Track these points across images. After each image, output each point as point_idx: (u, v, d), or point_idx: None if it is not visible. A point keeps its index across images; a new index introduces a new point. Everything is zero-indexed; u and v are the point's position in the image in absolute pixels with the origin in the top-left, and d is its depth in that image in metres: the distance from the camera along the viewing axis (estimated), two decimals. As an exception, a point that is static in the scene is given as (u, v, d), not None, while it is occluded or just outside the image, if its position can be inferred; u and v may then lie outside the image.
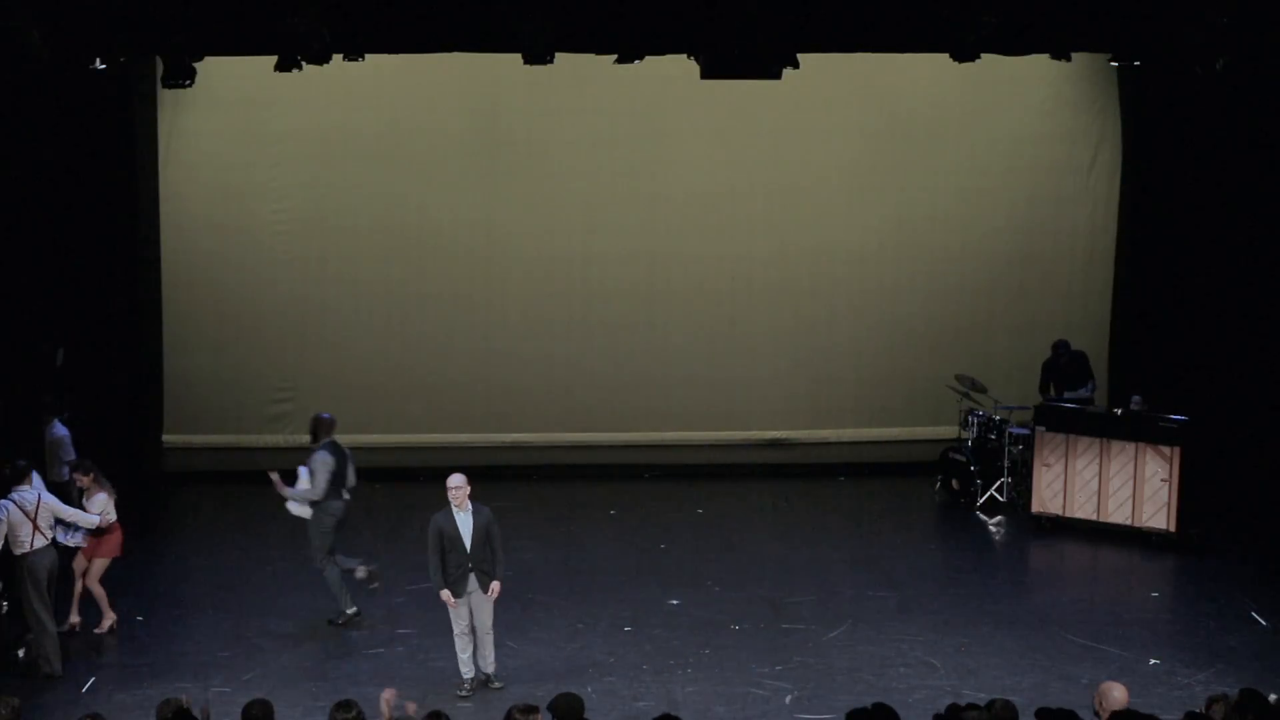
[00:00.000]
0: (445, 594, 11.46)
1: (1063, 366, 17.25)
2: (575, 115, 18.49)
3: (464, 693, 11.62)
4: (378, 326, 18.80)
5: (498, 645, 11.86)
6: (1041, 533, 15.96)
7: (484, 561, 11.50)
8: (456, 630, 11.66)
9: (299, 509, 13.02)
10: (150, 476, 17.56)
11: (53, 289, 14.96)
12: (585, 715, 8.23)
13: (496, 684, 11.69)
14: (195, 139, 18.20)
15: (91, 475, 12.83)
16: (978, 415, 17.19)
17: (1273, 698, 8.31)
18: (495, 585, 11.51)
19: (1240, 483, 16.40)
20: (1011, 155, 19.02)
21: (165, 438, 18.35)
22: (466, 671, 11.70)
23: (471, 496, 11.60)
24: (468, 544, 11.43)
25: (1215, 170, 17.14)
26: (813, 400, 19.29)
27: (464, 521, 11.46)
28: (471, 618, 11.59)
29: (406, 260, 18.71)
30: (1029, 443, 16.38)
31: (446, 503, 11.49)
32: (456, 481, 11.50)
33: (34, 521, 11.95)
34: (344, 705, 8.03)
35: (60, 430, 14.46)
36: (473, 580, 11.49)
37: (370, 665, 12.15)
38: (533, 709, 7.88)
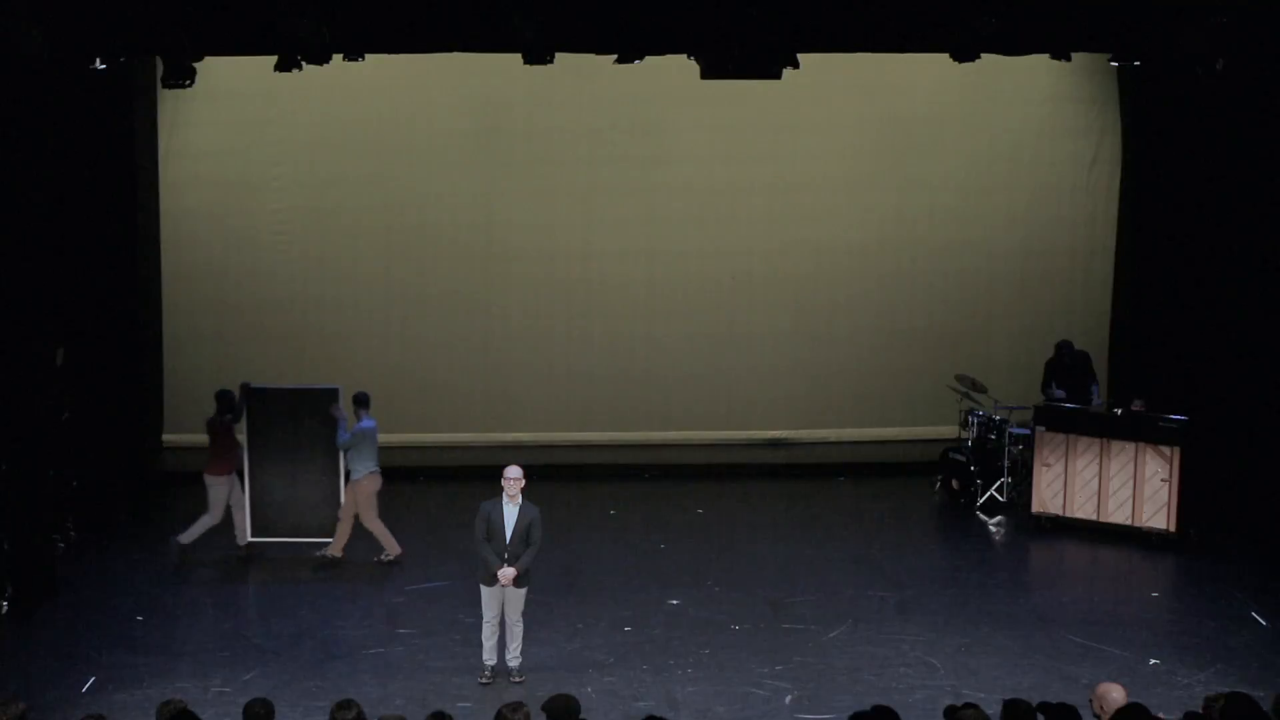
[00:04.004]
0: (503, 572, 11.57)
1: (1066, 367, 17.23)
2: (575, 114, 18.51)
3: (485, 680, 11.74)
4: (378, 325, 18.81)
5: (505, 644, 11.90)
6: (1041, 533, 15.96)
7: (520, 557, 11.66)
8: (485, 618, 11.78)
9: None
10: (150, 476, 17.56)
11: (53, 289, 14.93)
12: (583, 716, 8.22)
13: (517, 678, 11.76)
14: (195, 139, 18.22)
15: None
16: (978, 415, 17.19)
17: None
18: (509, 571, 11.57)
19: (1240, 483, 16.39)
20: (1011, 155, 19.05)
21: (165, 438, 18.35)
22: (488, 659, 11.82)
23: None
24: (507, 536, 11.60)
25: (1215, 170, 17.12)
26: (813, 400, 19.30)
27: (510, 513, 11.65)
28: (502, 609, 11.71)
29: (407, 259, 18.73)
30: (1029, 443, 16.39)
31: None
32: (514, 474, 11.72)
33: None
34: (344, 705, 8.03)
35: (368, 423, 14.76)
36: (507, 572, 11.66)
37: (370, 665, 12.15)
38: (520, 705, 7.88)
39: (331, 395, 14.80)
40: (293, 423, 14.81)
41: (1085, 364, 17.37)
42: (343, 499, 14.75)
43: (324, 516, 14.84)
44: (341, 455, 14.74)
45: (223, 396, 14.94)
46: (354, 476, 14.67)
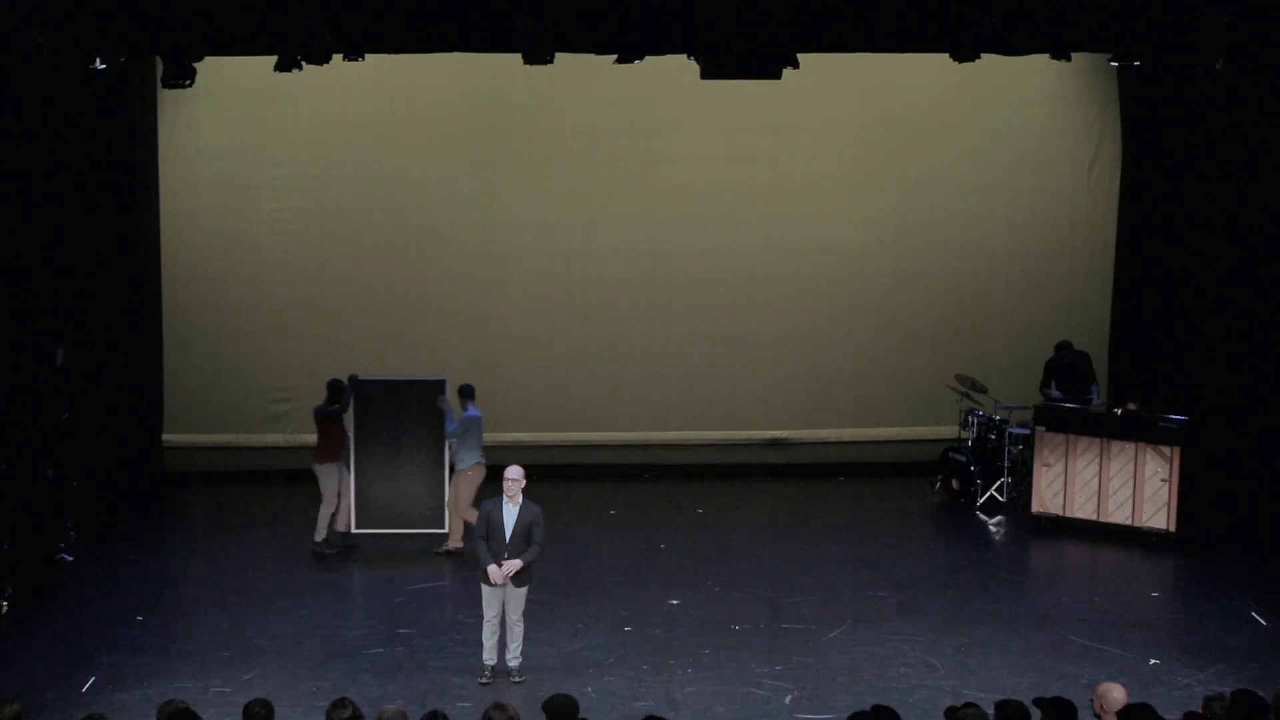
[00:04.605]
0: (492, 569, 11.61)
1: (1065, 367, 17.24)
2: (576, 114, 18.51)
3: (485, 680, 11.74)
4: (378, 326, 18.80)
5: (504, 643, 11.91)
6: (1041, 533, 15.96)
7: (521, 556, 11.66)
8: (486, 617, 11.79)
9: None
10: (150, 476, 17.55)
11: (53, 289, 14.94)
12: (583, 716, 8.22)
13: (517, 678, 11.76)
14: (195, 138, 18.23)
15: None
16: (978, 415, 17.19)
17: None
18: (511, 563, 11.61)
19: (1240, 483, 16.40)
20: (1011, 155, 19.05)
21: (165, 438, 18.35)
22: (488, 659, 11.82)
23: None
24: (507, 535, 11.62)
25: (1215, 170, 17.13)
26: (812, 400, 19.30)
27: (510, 513, 11.67)
28: (503, 608, 11.72)
29: (407, 259, 18.74)
30: (1029, 443, 16.39)
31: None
32: (514, 474, 11.77)
33: None
34: (340, 704, 8.03)
35: (474, 412, 14.98)
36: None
37: (370, 665, 12.15)
38: (504, 706, 7.90)
39: (438, 387, 14.99)
40: (397, 414, 14.99)
41: (1085, 364, 17.37)
42: (448, 492, 14.92)
43: (427, 508, 15.02)
44: (447, 446, 14.88)
45: (332, 386, 15.15)
46: (459, 467, 14.87)
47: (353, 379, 15.12)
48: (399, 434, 14.99)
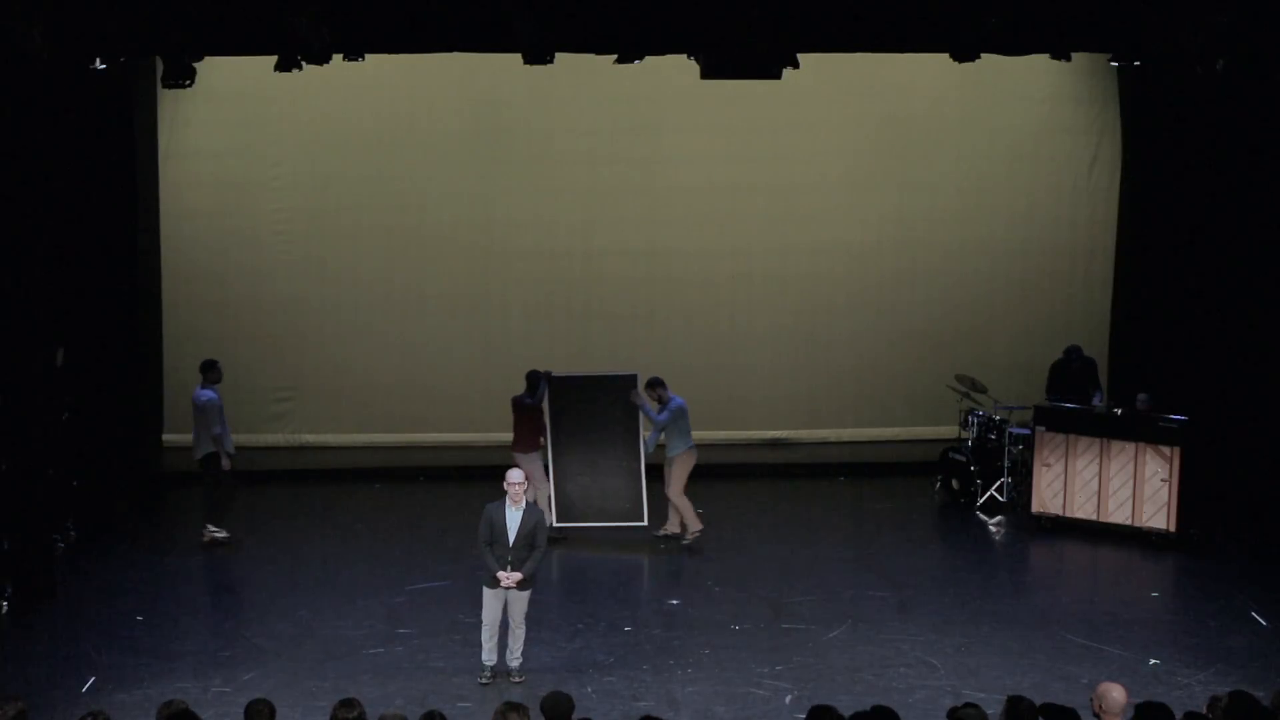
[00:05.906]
0: (501, 575, 11.61)
1: (1073, 371, 17.23)
2: (576, 114, 18.53)
3: (484, 680, 11.74)
4: (378, 326, 18.82)
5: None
6: (1041, 533, 15.96)
7: (523, 560, 11.67)
8: (485, 620, 11.78)
9: None
10: (150, 476, 17.55)
11: (53, 289, 14.94)
12: (586, 716, 8.21)
13: (517, 678, 11.76)
14: (195, 138, 18.24)
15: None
16: (978, 415, 17.19)
17: None
18: (513, 575, 11.59)
19: (1240, 483, 16.39)
20: (1012, 155, 19.06)
21: (165, 438, 18.31)
22: (488, 659, 11.81)
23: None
24: (510, 539, 11.61)
25: (1215, 170, 17.14)
26: (812, 400, 19.31)
27: (513, 517, 11.66)
28: (505, 611, 11.74)
29: (406, 259, 18.75)
30: (1029, 443, 16.39)
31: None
32: (516, 478, 11.79)
33: None
34: (347, 704, 8.03)
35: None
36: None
37: (370, 665, 12.14)
38: (519, 706, 7.88)
39: (630, 381, 15.28)
40: (592, 409, 15.29)
41: (1091, 370, 17.39)
42: (645, 483, 15.25)
43: (627, 502, 15.32)
44: (642, 441, 15.20)
45: (530, 378, 15.43)
46: (670, 453, 15.18)
47: (548, 374, 15.37)
48: (594, 429, 15.29)
